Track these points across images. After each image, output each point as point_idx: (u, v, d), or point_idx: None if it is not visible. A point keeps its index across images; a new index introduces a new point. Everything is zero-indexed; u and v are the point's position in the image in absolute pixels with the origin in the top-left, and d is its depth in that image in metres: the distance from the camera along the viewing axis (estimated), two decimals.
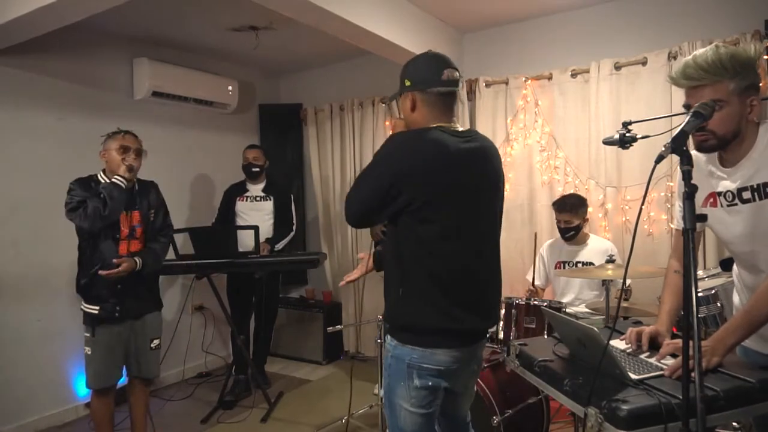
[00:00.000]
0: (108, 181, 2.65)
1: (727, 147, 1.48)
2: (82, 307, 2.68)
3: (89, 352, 2.65)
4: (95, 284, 2.63)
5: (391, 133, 1.78)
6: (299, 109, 5.08)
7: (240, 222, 4.02)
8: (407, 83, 1.71)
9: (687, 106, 1.45)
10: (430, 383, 1.64)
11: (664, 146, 1.24)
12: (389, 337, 1.71)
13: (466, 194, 1.65)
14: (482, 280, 1.72)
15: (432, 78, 1.67)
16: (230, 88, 4.55)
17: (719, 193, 1.54)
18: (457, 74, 1.72)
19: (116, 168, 2.66)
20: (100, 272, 2.58)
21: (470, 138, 1.71)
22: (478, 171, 1.69)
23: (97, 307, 2.63)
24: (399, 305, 1.67)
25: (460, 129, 1.72)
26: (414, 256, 1.63)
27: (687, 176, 1.20)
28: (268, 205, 4.08)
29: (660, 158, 1.25)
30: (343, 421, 3.27)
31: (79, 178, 2.70)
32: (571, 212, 3.23)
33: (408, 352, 1.64)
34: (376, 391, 3.48)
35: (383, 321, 1.78)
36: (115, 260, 2.62)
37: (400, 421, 1.69)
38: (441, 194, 1.61)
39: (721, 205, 1.54)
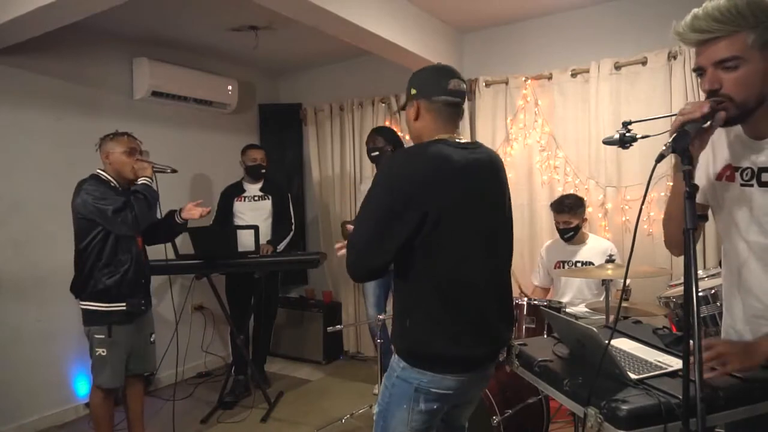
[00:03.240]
0: (117, 183, 2.71)
1: (750, 117, 1.23)
2: (99, 308, 2.64)
3: (104, 353, 2.64)
4: (124, 282, 2.65)
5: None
6: (299, 109, 5.08)
7: (238, 222, 4.02)
8: (413, 92, 1.67)
9: (698, 70, 1.25)
10: (434, 407, 1.59)
11: (665, 145, 1.18)
12: (397, 356, 1.63)
13: (475, 208, 1.58)
14: (493, 300, 1.63)
15: (438, 87, 1.64)
16: (230, 87, 4.55)
17: (737, 168, 1.30)
18: (464, 86, 1.69)
19: (126, 169, 2.70)
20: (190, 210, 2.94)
21: (475, 149, 1.66)
22: (485, 182, 1.64)
23: (124, 304, 2.65)
24: (408, 329, 1.58)
25: (464, 141, 1.65)
26: (422, 277, 1.55)
27: (687, 177, 1.14)
28: (267, 204, 4.07)
29: (660, 158, 1.19)
30: (343, 421, 3.27)
31: (90, 179, 2.67)
32: (569, 213, 3.24)
33: (416, 377, 1.56)
34: (375, 390, 3.48)
35: (391, 341, 1.70)
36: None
37: None
38: (449, 211, 1.52)
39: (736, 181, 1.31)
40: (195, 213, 2.99)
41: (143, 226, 2.66)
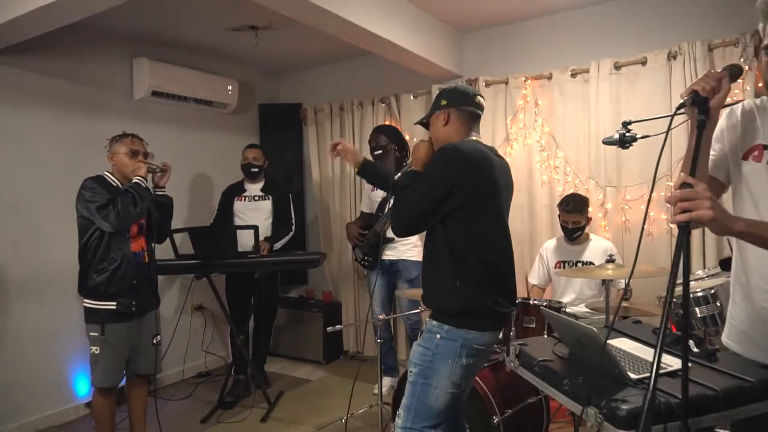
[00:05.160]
0: (120, 183, 2.71)
1: None
2: (91, 305, 2.65)
3: (97, 351, 2.64)
4: (113, 281, 2.64)
5: (413, 151, 2.08)
6: (299, 109, 5.08)
7: (238, 222, 4.01)
8: (443, 102, 2.00)
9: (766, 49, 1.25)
10: (472, 362, 1.88)
11: (684, 96, 1.19)
12: (436, 322, 1.90)
13: (501, 195, 1.95)
14: (512, 267, 2.03)
15: (467, 98, 2.00)
16: (230, 87, 4.55)
17: (767, 147, 1.31)
18: (484, 103, 2.06)
19: (127, 170, 2.72)
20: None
21: (496, 152, 2.06)
22: (505, 177, 2.01)
23: (114, 303, 2.64)
24: (456, 293, 1.87)
25: (485, 144, 2.02)
26: (468, 248, 1.87)
27: (701, 125, 1.15)
28: (267, 204, 4.07)
29: (681, 105, 1.19)
30: (343, 420, 3.27)
31: (92, 177, 2.70)
32: (580, 213, 3.24)
33: (463, 334, 1.86)
34: (375, 391, 3.48)
35: (430, 309, 1.98)
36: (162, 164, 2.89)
37: (431, 398, 1.87)
38: (488, 193, 1.90)
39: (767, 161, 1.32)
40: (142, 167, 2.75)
41: (128, 222, 2.64)
